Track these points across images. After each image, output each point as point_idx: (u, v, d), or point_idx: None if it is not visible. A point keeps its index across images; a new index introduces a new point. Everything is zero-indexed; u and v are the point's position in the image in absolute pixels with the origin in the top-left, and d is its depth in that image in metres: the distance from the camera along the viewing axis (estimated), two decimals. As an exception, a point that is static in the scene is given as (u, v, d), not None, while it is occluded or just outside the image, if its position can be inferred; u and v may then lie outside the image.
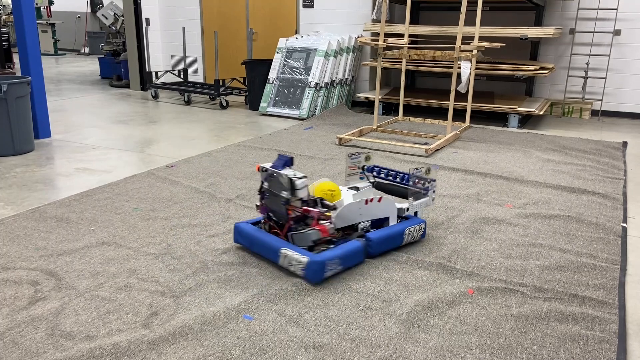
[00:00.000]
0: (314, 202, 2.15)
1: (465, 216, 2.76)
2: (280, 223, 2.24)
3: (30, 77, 3.82)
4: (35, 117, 4.14)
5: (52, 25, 11.97)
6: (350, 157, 2.62)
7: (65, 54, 12.36)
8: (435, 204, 2.95)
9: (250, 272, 2.14)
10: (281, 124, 5.10)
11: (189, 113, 5.58)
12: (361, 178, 2.67)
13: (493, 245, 2.42)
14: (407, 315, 1.82)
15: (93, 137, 4.41)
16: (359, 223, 2.27)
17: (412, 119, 5.04)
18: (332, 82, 5.61)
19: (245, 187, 3.17)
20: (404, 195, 2.47)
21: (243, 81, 6.27)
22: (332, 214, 2.17)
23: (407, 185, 2.49)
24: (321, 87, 5.45)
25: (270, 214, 2.25)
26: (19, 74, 4.13)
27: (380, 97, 5.58)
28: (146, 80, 6.84)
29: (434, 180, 2.41)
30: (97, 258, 2.23)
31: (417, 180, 2.39)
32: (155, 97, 6.39)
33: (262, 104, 5.59)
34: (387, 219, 2.36)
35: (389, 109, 5.81)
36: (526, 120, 5.42)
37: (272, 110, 5.54)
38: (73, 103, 5.97)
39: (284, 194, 2.10)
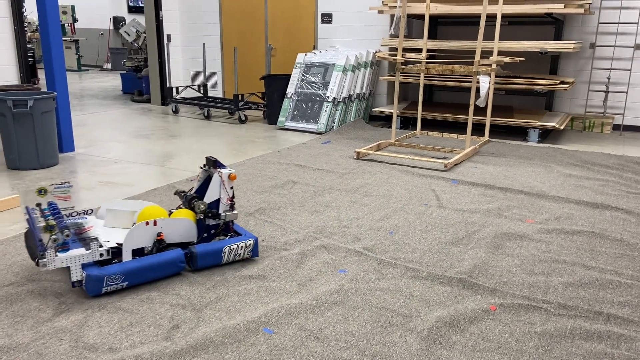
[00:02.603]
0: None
1: (486, 231, 2.74)
2: None
3: (55, 93, 3.91)
4: (59, 131, 4.23)
5: (76, 42, 12.26)
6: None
7: (88, 70, 12.64)
8: (455, 219, 2.93)
9: (270, 286, 2.15)
10: (299, 138, 5.13)
11: (208, 127, 5.65)
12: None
13: (515, 261, 2.39)
14: (428, 332, 1.81)
15: (115, 151, 4.48)
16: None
17: (430, 133, 5.03)
18: (350, 96, 5.64)
19: (265, 201, 3.18)
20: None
21: (262, 96, 6.33)
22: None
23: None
24: (339, 101, 5.48)
25: None
26: (44, 89, 4.24)
27: (398, 111, 5.59)
28: (167, 95, 6.95)
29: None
30: (120, 270, 2.25)
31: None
32: (176, 111, 6.48)
33: (280, 119, 5.63)
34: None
35: (407, 123, 5.81)
36: (546, 135, 5.37)
37: (290, 124, 5.58)
38: (96, 118, 6.09)
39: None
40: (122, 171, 3.86)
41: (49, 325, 1.83)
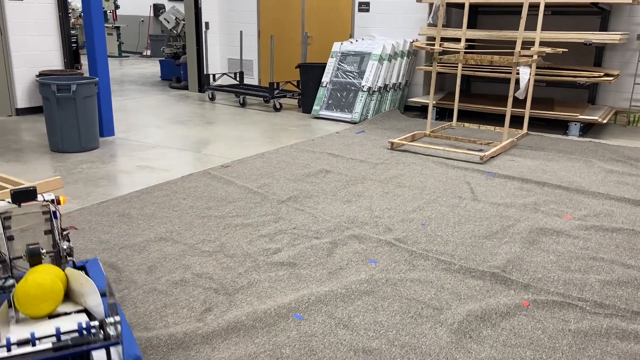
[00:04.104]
0: None
1: (521, 226, 2.68)
2: None
3: (97, 78, 4.02)
4: (100, 116, 4.35)
5: (117, 28, 12.54)
6: None
7: (128, 56, 12.91)
8: (489, 212, 2.88)
9: (301, 273, 2.17)
10: (333, 127, 5.13)
11: (243, 115, 5.71)
12: None
13: (551, 257, 2.34)
14: (458, 325, 1.79)
15: (153, 136, 4.58)
16: None
17: (466, 125, 4.94)
18: (386, 86, 5.59)
19: (297, 189, 3.20)
20: None
21: (297, 84, 6.34)
22: None
23: None
24: (374, 91, 5.44)
25: None
26: (86, 74, 4.36)
27: (434, 102, 5.51)
28: (204, 82, 7.05)
29: None
30: (155, 253, 2.32)
31: None
32: (212, 98, 6.57)
33: (315, 107, 5.64)
34: None
35: (443, 114, 5.72)
36: (588, 129, 5.20)
37: (324, 113, 5.58)
38: (135, 103, 6.23)
39: None
40: (160, 156, 3.95)
41: (88, 303, 1.90)
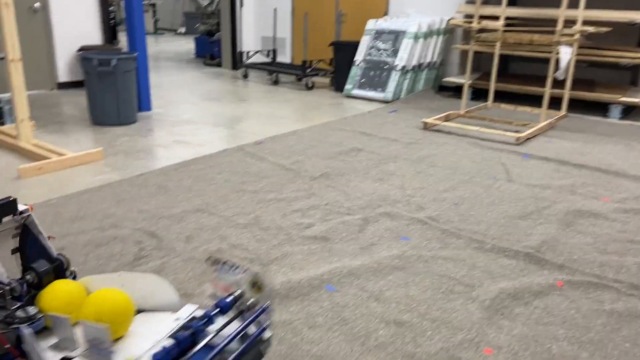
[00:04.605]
0: None
1: (557, 207, 2.65)
2: None
3: (136, 53, 4.10)
4: (138, 91, 4.44)
5: (153, 5, 12.67)
6: (214, 267, 1.28)
7: (163, 34, 13.06)
8: (524, 194, 2.85)
9: (333, 247, 2.20)
10: (365, 107, 5.11)
11: (276, 93, 5.73)
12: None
13: (587, 239, 2.31)
14: (490, 302, 1.80)
15: (188, 112, 4.66)
16: None
17: (502, 105, 4.85)
18: (420, 65, 5.52)
19: (329, 167, 3.23)
20: None
21: (330, 62, 6.32)
22: None
23: None
24: (408, 70, 5.38)
25: None
26: (123, 51, 4.46)
27: (469, 81, 5.42)
28: (237, 60, 7.09)
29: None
30: (192, 224, 2.38)
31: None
32: (245, 76, 6.61)
33: (347, 86, 5.62)
34: None
35: (478, 95, 5.62)
36: (629, 112, 5.03)
37: (356, 92, 5.56)
38: (170, 80, 6.33)
39: None
40: (195, 131, 4.02)
41: (129, 268, 1.98)
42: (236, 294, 1.23)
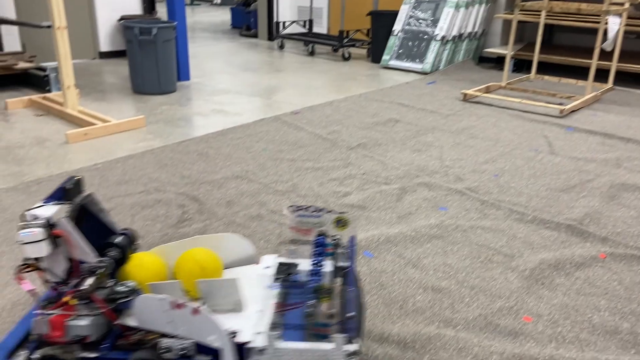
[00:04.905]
0: (86, 272, 1.18)
1: (601, 181, 2.58)
2: None
3: (176, 22, 4.14)
4: (177, 60, 4.50)
5: (189, -24, 12.68)
6: (293, 212, 1.39)
7: (199, 4, 13.09)
8: (568, 167, 2.78)
9: (370, 215, 2.22)
10: (403, 78, 5.04)
11: (312, 63, 5.70)
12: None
13: (632, 212, 2.25)
14: (530, 272, 1.79)
15: (225, 82, 4.70)
16: (172, 337, 1.15)
17: (546, 77, 4.70)
18: (460, 35, 5.38)
19: (366, 137, 3.22)
20: None
21: (367, 33, 6.23)
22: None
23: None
24: (448, 40, 5.26)
25: None
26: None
27: (512, 52, 5.27)
28: (273, 31, 7.06)
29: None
30: (233, 190, 2.44)
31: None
32: (281, 47, 6.59)
33: (384, 57, 5.53)
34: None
35: (521, 66, 5.46)
36: (682, 85, 4.80)
37: (394, 63, 5.47)
38: (207, 50, 6.37)
39: None
40: (232, 101, 4.06)
41: (174, 230, 2.05)
42: (324, 233, 1.37)
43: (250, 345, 1.10)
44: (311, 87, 4.58)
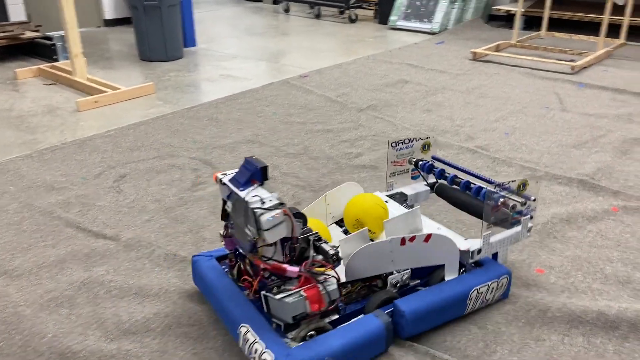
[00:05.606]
0: (305, 244, 1.20)
1: (613, 136, 2.57)
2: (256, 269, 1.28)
3: (180, -13, 4.08)
4: (183, 26, 4.45)
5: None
6: (394, 147, 1.64)
7: (200, -30, 12.82)
8: (579, 123, 2.77)
9: (382, 175, 2.23)
10: (411, 38, 4.96)
11: (318, 26, 5.62)
12: (414, 177, 1.73)
13: (644, 167, 2.25)
14: (542, 226, 1.81)
15: (232, 47, 4.66)
16: (390, 274, 1.32)
17: (556, 34, 4.61)
18: (469, -7, 5.26)
19: (376, 99, 3.21)
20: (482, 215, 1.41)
21: (373, -7, 6.11)
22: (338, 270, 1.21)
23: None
24: (456, -1, 5.15)
25: (240, 250, 1.34)
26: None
27: (522, 9, 5.15)
28: (277, -6, 6.93)
29: (534, 200, 1.40)
30: (245, 153, 2.45)
31: (501, 201, 1.36)
32: (287, 10, 6.49)
33: (392, 18, 5.44)
34: (441, 266, 1.37)
35: (531, 24, 5.35)
36: (697, 39, 4.70)
37: (401, 23, 5.38)
38: (211, 15, 6.29)
39: (249, 231, 1.15)
40: (239, 65, 4.04)
41: (189, 193, 2.08)
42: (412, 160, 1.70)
43: (470, 249, 1.37)
44: (318, 50, 4.54)
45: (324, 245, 1.19)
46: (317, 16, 6.17)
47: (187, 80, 3.66)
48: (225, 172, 1.28)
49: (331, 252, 1.17)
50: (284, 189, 2.11)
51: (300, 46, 4.68)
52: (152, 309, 1.41)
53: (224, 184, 1.25)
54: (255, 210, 1.10)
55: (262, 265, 1.17)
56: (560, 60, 3.89)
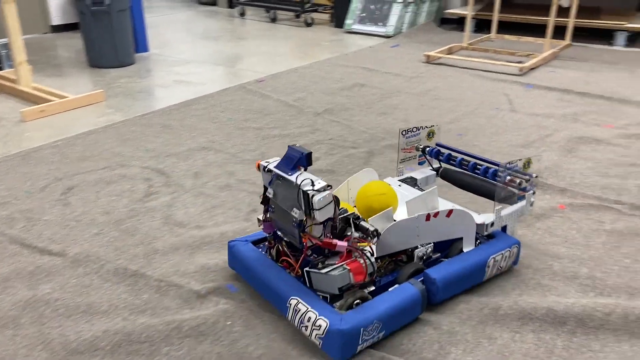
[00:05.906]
0: (344, 223, 1.32)
1: (559, 135, 2.66)
2: (294, 250, 1.42)
3: (129, -8, 3.99)
4: (134, 31, 4.35)
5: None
6: (404, 135, 1.79)
7: (153, -27, 12.58)
8: (527, 123, 2.86)
9: (340, 179, 2.24)
10: (366, 42, 5.01)
11: (274, 30, 5.61)
12: (421, 163, 1.86)
13: (589, 164, 2.34)
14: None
15: (186, 52, 4.58)
16: (416, 248, 1.44)
17: (506, 36, 4.75)
18: (421, -3, 5.36)
19: (332, 102, 3.22)
20: (487, 193, 1.62)
21: (328, -3, 6.14)
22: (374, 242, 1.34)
23: (494, 181, 1.59)
24: (410, 2, 5.23)
25: (280, 233, 1.44)
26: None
27: (472, 13, 5.28)
28: (232, -2, 6.88)
29: (536, 177, 1.58)
30: (200, 161, 2.41)
31: (509, 179, 1.53)
32: (242, 14, 6.44)
33: (347, 21, 5.48)
34: (459, 239, 1.52)
35: (482, 26, 5.50)
36: (635, 39, 4.94)
37: (357, 27, 5.43)
38: (164, 20, 6.17)
39: (296, 213, 1.28)
40: (194, 71, 3.97)
41: (140, 204, 2.03)
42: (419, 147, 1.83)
43: (485, 222, 1.53)
44: (275, 54, 4.52)
45: (363, 223, 1.32)
46: (273, 20, 6.15)
47: (138, 86, 3.57)
48: (268, 160, 1.41)
49: (371, 228, 1.30)
50: (240, 196, 2.08)
51: (256, 50, 4.65)
52: (101, 326, 1.37)
53: (269, 170, 1.38)
54: (308, 191, 1.22)
55: (314, 242, 1.28)
56: (509, 62, 4.00)
